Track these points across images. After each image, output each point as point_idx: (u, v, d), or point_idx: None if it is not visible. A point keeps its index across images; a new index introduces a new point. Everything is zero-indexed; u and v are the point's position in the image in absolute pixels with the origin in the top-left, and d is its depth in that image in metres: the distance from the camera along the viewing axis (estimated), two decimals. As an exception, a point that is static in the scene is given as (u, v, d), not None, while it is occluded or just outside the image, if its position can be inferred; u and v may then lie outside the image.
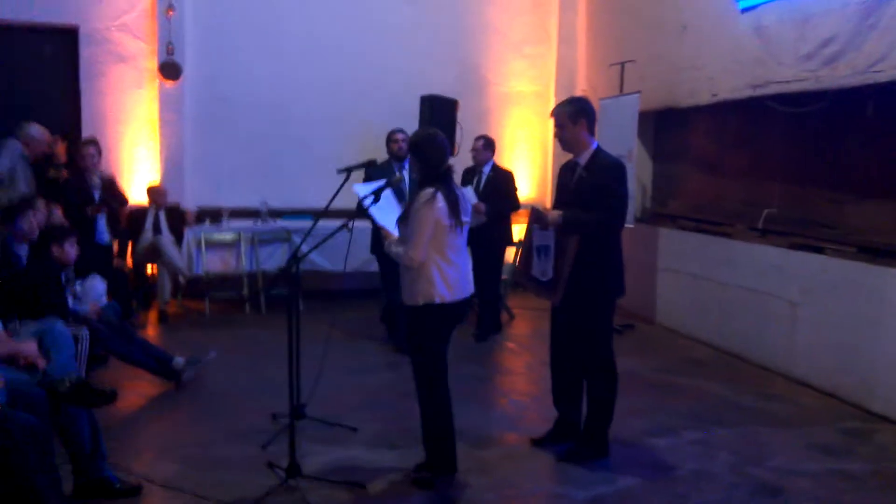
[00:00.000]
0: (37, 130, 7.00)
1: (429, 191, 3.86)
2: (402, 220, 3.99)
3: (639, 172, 8.25)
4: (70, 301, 5.27)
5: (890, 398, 5.23)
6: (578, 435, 4.56)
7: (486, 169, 7.15)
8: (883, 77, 5.13)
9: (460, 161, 7.10)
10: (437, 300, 3.91)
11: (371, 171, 5.65)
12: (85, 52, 8.34)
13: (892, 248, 5.40)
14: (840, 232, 5.95)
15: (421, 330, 4.01)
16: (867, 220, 5.76)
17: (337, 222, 4.38)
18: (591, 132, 4.40)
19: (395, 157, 6.59)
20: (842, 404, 5.54)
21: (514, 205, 7.16)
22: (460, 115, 8.30)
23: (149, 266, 8.10)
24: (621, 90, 8.04)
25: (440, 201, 3.85)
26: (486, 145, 7.16)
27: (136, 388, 5.55)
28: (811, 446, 4.77)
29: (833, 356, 5.73)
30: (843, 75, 5.45)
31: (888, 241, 5.47)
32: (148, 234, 7.69)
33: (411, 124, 6.83)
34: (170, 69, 8.45)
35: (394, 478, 4.19)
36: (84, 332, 4.99)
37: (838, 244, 5.86)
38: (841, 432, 5.03)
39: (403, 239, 3.96)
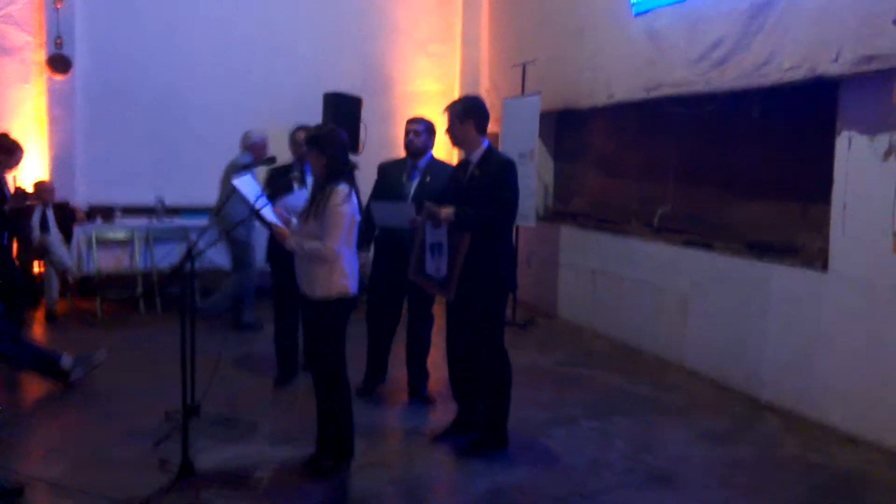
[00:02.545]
0: None
1: (344, 187, 3.95)
2: (309, 216, 3.99)
3: (541, 171, 8.40)
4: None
5: (775, 387, 5.47)
6: (479, 427, 4.59)
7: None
8: (767, 80, 5.36)
9: (365, 159, 7.07)
10: (351, 292, 4.04)
11: (385, 166, 5.38)
12: (-36, 44, 7.95)
13: (777, 244, 5.66)
14: (729, 229, 6.20)
15: (333, 323, 4.05)
16: (754, 218, 6.01)
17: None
18: (482, 131, 4.47)
19: (409, 154, 5.29)
20: (731, 393, 5.76)
21: None
22: (364, 114, 8.26)
23: (35, 264, 7.74)
24: (523, 90, 8.17)
25: (354, 197, 4.00)
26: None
27: (23, 390, 5.32)
28: (701, 434, 4.95)
29: (722, 347, 5.96)
30: (731, 78, 5.67)
31: (773, 238, 5.73)
32: (35, 232, 7.35)
33: (314, 122, 6.73)
34: (58, 62, 8.13)
35: (292, 471, 4.13)
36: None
37: (727, 241, 6.10)
38: (729, 420, 5.23)
39: (307, 233, 3.97)
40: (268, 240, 5.65)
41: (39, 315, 7.46)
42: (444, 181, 4.91)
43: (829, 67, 4.86)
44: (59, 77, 8.18)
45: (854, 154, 4.94)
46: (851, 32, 4.69)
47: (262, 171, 6.00)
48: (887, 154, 4.69)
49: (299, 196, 4.40)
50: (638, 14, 6.75)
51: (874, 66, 4.56)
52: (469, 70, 9.87)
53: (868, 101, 4.81)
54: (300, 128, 5.74)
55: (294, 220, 4.18)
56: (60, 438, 4.58)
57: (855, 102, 4.94)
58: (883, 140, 4.72)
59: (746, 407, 5.49)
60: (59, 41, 8.09)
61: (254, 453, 4.37)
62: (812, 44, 4.98)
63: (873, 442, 4.73)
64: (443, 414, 4.99)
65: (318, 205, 3.97)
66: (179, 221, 8.18)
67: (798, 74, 5.10)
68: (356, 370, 5.03)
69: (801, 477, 4.34)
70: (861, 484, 4.28)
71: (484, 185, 4.34)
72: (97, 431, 4.64)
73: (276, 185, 5.31)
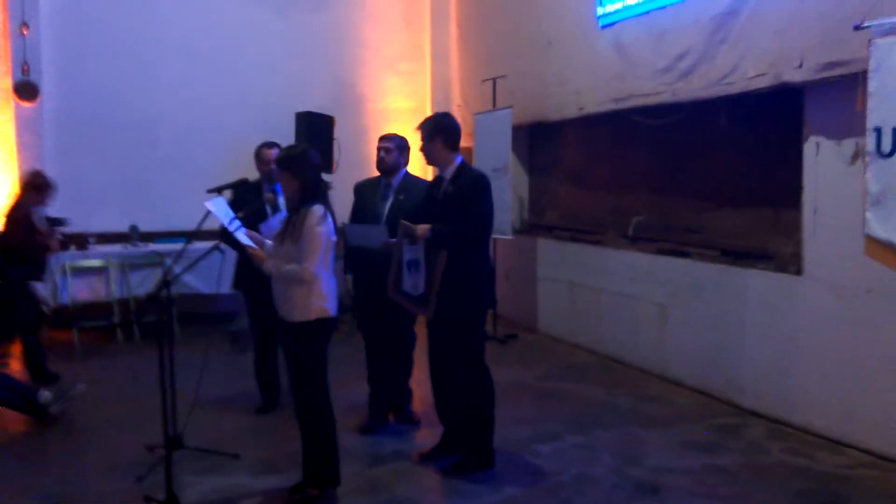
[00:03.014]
0: None
1: (319, 208, 3.93)
2: (285, 239, 3.97)
3: (515, 185, 8.42)
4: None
5: (757, 393, 5.51)
6: (464, 447, 4.58)
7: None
8: (733, 89, 5.43)
9: (339, 177, 7.06)
10: (331, 314, 4.01)
11: (360, 186, 5.27)
12: (-71, 73, 7.85)
13: (751, 250, 5.71)
14: (703, 237, 6.25)
15: (313, 346, 4.02)
16: (727, 225, 6.07)
17: (211, 243, 4.27)
18: (452, 148, 4.48)
19: (382, 172, 5.17)
20: (713, 401, 5.80)
21: None
22: (337, 132, 8.25)
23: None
24: (494, 105, 8.21)
25: (329, 218, 3.97)
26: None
27: (-2, 427, 5.22)
28: (686, 444, 4.97)
29: (702, 355, 6.00)
30: (697, 88, 5.74)
31: (747, 244, 5.78)
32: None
33: (287, 141, 6.69)
34: (26, 89, 8.06)
35: (278, 501, 4.09)
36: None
37: (702, 248, 6.15)
38: (713, 428, 5.25)
39: (283, 256, 3.94)
40: (236, 265, 5.56)
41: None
42: (419, 198, 4.79)
43: (794, 74, 4.94)
44: (26, 104, 8.10)
45: (822, 159, 5.01)
46: (814, 40, 4.77)
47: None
48: (854, 158, 4.76)
49: (276, 220, 4.37)
50: (604, 27, 6.81)
51: (837, 72, 4.64)
52: (440, 86, 9.90)
53: (833, 106, 4.89)
54: (266, 144, 5.61)
55: (268, 243, 4.15)
56: (38, 478, 4.47)
57: (820, 108, 5.01)
58: (849, 144, 4.78)
59: (729, 414, 5.53)
60: (26, 67, 8.03)
61: (239, 484, 4.33)
62: (776, 52, 5.05)
63: (856, 444, 4.78)
64: (428, 434, 4.97)
65: (293, 227, 3.95)
66: (154, 247, 8.11)
67: (763, 83, 5.18)
68: (345, 394, 5.03)
69: (786, 483, 4.36)
70: (846, 487, 4.31)
71: (458, 200, 4.35)
72: (77, 469, 4.57)
73: (249, 207, 5.21)
